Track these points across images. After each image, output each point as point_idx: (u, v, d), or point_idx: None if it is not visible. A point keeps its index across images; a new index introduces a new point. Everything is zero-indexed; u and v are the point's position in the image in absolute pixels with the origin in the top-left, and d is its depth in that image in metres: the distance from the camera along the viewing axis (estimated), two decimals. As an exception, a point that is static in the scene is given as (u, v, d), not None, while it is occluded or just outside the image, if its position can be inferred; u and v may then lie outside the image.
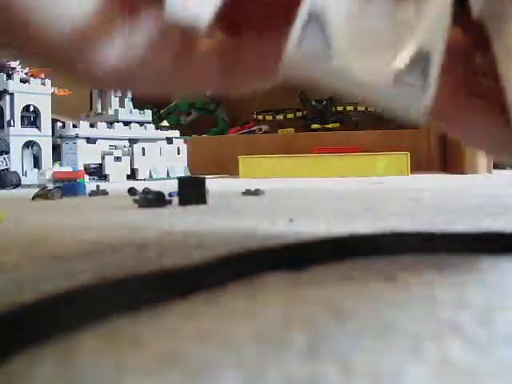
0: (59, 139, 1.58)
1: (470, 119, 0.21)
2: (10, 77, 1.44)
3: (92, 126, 1.62)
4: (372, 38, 0.17)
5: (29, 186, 1.41)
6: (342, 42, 0.17)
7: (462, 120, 0.21)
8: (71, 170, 1.42)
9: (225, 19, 0.20)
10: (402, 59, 0.17)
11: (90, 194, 0.90)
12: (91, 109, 1.93)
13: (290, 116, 2.31)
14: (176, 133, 1.83)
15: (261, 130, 2.31)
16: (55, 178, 1.35)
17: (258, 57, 0.20)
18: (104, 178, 1.61)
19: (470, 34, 0.21)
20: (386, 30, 0.17)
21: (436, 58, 0.17)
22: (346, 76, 0.17)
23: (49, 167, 1.46)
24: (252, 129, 2.33)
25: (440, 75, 0.17)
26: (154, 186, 0.85)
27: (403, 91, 0.17)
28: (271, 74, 0.20)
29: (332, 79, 0.17)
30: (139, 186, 0.88)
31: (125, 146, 1.69)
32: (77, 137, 1.56)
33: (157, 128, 1.80)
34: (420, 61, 0.17)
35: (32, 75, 1.51)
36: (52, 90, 1.52)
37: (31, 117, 1.49)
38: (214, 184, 1.20)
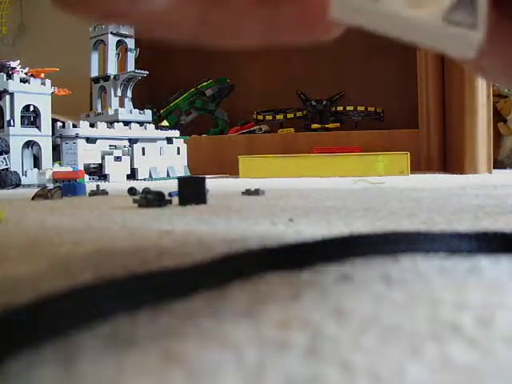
0: (59, 139, 1.58)
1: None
2: (10, 77, 1.44)
3: (92, 125, 1.62)
4: None
5: (29, 185, 1.41)
6: None
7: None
8: (71, 170, 1.42)
9: None
10: None
11: (90, 194, 0.90)
12: (91, 109, 1.93)
13: (290, 116, 2.31)
14: (176, 133, 1.83)
15: (261, 129, 2.31)
16: (55, 178, 1.35)
17: (303, 6, 0.19)
18: (104, 177, 1.61)
19: None
20: None
21: None
22: (394, 17, 0.17)
23: (49, 167, 1.46)
24: (252, 129, 2.33)
25: (490, 10, 0.17)
26: (154, 186, 0.85)
27: (453, 30, 0.17)
28: (319, 24, 0.19)
29: (380, 22, 0.17)
30: (139, 185, 0.88)
31: (125, 146, 1.69)
32: (77, 137, 1.56)
33: (156, 128, 1.80)
34: None
35: (32, 75, 1.51)
36: (52, 90, 1.52)
37: (31, 117, 1.49)
38: (214, 184, 1.20)
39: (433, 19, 0.17)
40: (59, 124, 1.58)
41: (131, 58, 1.80)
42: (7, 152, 1.41)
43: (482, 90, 1.51)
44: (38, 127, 1.49)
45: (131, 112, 1.76)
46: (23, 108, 1.46)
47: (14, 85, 1.44)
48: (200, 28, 0.20)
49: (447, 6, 0.17)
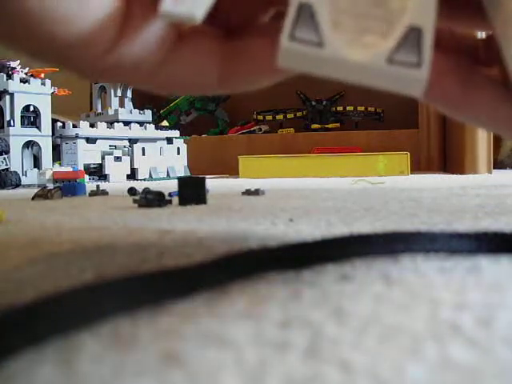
0: (59, 139, 1.58)
1: (469, 96, 0.21)
2: (10, 77, 1.44)
3: (92, 126, 1.62)
4: (361, 20, 0.17)
5: (29, 185, 1.41)
6: (331, 28, 0.17)
7: (461, 98, 0.21)
8: (71, 170, 1.42)
9: (218, 15, 0.20)
10: (393, 36, 0.17)
11: (90, 194, 0.90)
12: (91, 109, 1.93)
13: (290, 116, 2.32)
14: (176, 133, 1.83)
15: (261, 130, 2.31)
16: (55, 178, 1.35)
17: (253, 53, 0.20)
18: (104, 177, 1.61)
19: (464, 10, 0.21)
20: (375, 12, 0.17)
21: (428, 32, 0.17)
22: (339, 62, 0.17)
23: (49, 167, 1.46)
24: (252, 129, 2.33)
25: (435, 51, 0.17)
26: (154, 186, 0.85)
27: (398, 70, 0.17)
28: (268, 70, 0.20)
29: (326, 67, 0.17)
30: (139, 185, 0.88)
31: (125, 146, 1.69)
32: (77, 137, 1.56)
33: (156, 128, 1.80)
34: (411, 37, 0.17)
35: (32, 75, 1.51)
36: (52, 90, 1.52)
37: (31, 117, 1.49)
38: (214, 184, 1.20)
39: (377, 60, 0.17)
40: (59, 124, 1.58)
41: (131, 58, 1.79)
42: (7, 152, 1.41)
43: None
44: (38, 127, 1.49)
45: (131, 112, 1.76)
46: (23, 108, 1.46)
47: (13, 85, 1.44)
48: (219, 83, 0.21)
49: (391, 47, 0.17)
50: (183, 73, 0.20)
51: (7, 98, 1.44)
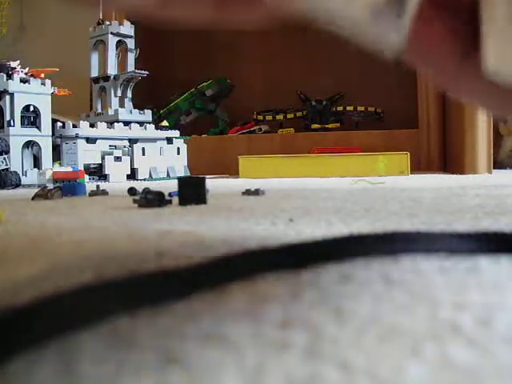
0: (59, 139, 1.58)
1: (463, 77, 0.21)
2: (10, 77, 1.44)
3: (92, 126, 1.62)
4: None
5: (29, 186, 1.41)
6: None
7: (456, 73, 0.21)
8: (71, 170, 1.42)
9: None
10: None
11: (90, 194, 0.90)
12: (91, 109, 1.93)
13: (290, 116, 2.31)
14: (176, 133, 1.83)
15: (261, 130, 2.31)
16: (55, 178, 1.35)
17: None
18: (104, 178, 1.61)
19: None
20: None
21: None
22: (325, 5, 0.17)
23: (49, 167, 1.46)
24: (252, 129, 2.33)
25: (419, 5, 0.17)
26: (154, 186, 0.85)
27: (380, 22, 0.17)
28: (258, 2, 0.20)
29: (313, 8, 0.17)
30: (139, 185, 0.88)
31: (125, 146, 1.69)
32: (77, 137, 1.56)
33: (156, 128, 1.80)
34: None
35: (32, 75, 1.51)
36: (52, 90, 1.52)
37: (31, 117, 1.49)
38: (214, 184, 1.20)
39: (362, 11, 0.17)
40: (59, 124, 1.58)
41: (131, 58, 1.80)
42: (7, 152, 1.41)
43: (481, 90, 1.51)
44: (38, 127, 1.49)
45: (131, 112, 1.76)
46: (23, 108, 1.46)
47: (13, 85, 1.44)
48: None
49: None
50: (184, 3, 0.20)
51: (7, 98, 1.44)
